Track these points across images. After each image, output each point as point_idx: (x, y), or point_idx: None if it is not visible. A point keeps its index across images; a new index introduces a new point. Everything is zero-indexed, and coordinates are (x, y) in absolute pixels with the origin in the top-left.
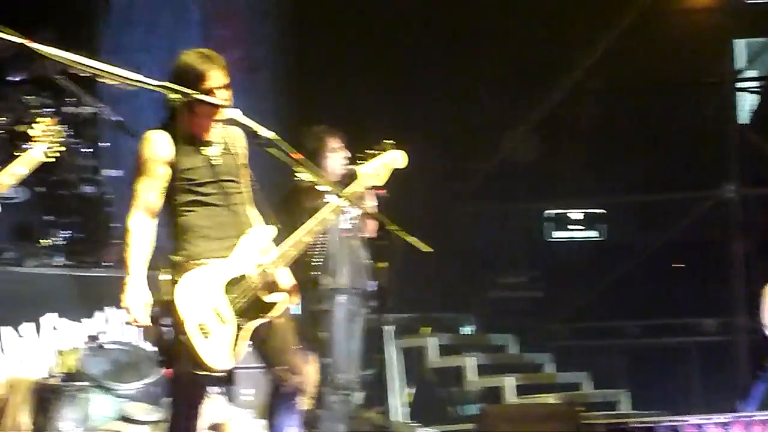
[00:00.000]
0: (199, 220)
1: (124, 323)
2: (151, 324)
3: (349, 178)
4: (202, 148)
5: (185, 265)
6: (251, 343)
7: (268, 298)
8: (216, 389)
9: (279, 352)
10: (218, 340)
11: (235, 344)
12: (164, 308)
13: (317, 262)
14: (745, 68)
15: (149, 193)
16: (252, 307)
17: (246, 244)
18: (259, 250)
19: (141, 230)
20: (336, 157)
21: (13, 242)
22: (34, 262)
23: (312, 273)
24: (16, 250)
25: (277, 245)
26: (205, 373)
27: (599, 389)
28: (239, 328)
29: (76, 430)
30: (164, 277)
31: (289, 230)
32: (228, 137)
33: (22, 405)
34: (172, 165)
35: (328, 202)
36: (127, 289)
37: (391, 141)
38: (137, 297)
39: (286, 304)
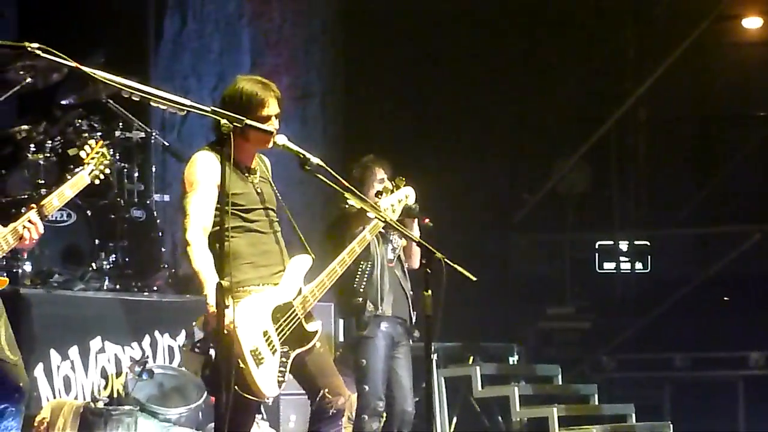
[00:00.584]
0: (246, 247)
1: (189, 344)
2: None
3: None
4: (247, 174)
5: (232, 292)
6: (291, 369)
7: (309, 326)
8: (259, 415)
9: (320, 375)
10: (269, 368)
11: (281, 372)
12: (213, 334)
13: (361, 289)
14: None
15: (202, 211)
16: (295, 335)
17: (291, 273)
18: (301, 278)
19: (202, 243)
20: (379, 188)
21: (62, 265)
22: (82, 285)
23: (356, 300)
24: (65, 274)
25: (316, 272)
26: (256, 399)
27: (645, 421)
28: (285, 356)
29: None
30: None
31: (336, 257)
32: (261, 165)
33: (67, 429)
34: (219, 188)
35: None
36: (209, 294)
37: (403, 178)
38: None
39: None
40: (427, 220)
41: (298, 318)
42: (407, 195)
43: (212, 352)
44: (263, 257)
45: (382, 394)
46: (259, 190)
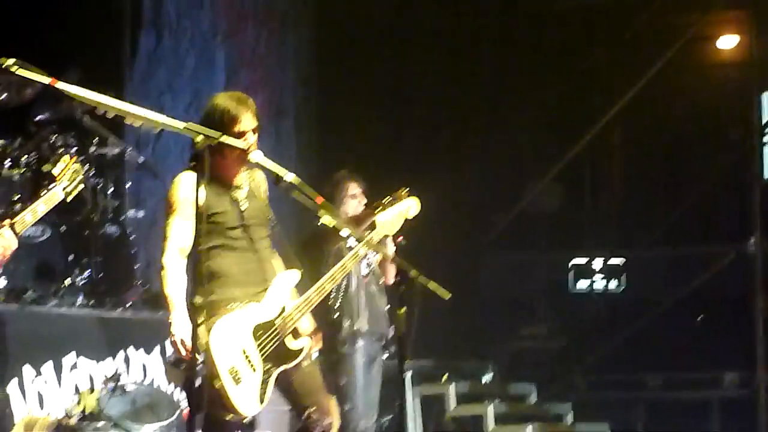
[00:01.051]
0: (227, 266)
1: (171, 359)
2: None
3: (367, 223)
4: (230, 191)
5: (213, 310)
6: (277, 387)
7: (292, 344)
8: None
9: (307, 394)
10: (248, 386)
11: (263, 390)
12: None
13: (337, 306)
14: None
15: (181, 233)
16: (278, 353)
17: (274, 290)
18: (286, 295)
19: (177, 267)
20: (354, 203)
21: (35, 281)
22: (55, 301)
23: (332, 317)
24: (38, 290)
25: (298, 290)
26: (234, 418)
27: None
28: (266, 374)
29: None
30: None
31: (311, 273)
32: (253, 181)
33: None
34: (201, 207)
35: (349, 247)
36: (174, 322)
37: (407, 188)
38: (185, 328)
39: (309, 348)
40: (401, 239)
41: (280, 336)
42: (409, 206)
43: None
44: (244, 275)
45: (363, 413)
46: (242, 207)
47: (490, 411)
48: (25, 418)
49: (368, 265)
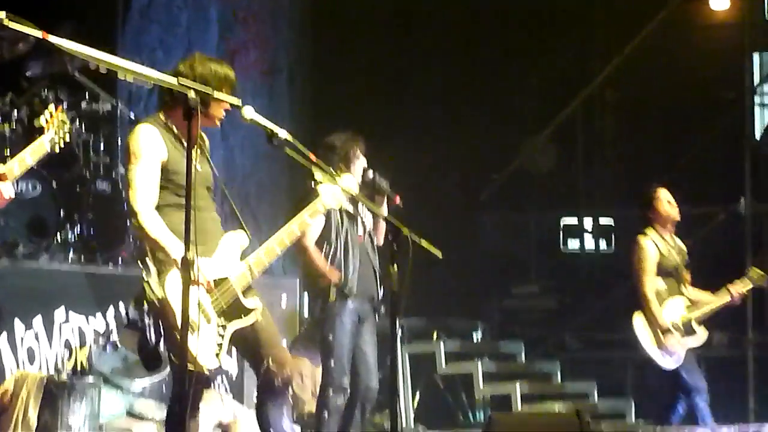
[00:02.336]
0: (179, 223)
1: (129, 321)
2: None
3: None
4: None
5: (166, 265)
6: (234, 344)
7: (246, 302)
8: (223, 389)
9: (262, 347)
10: (205, 336)
11: (219, 346)
12: (150, 308)
13: (328, 267)
14: (759, 83)
15: (147, 185)
16: (232, 310)
17: (226, 248)
18: (236, 255)
19: (152, 211)
20: (359, 163)
21: (27, 237)
22: (46, 257)
23: (323, 277)
24: (29, 245)
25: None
26: (195, 368)
27: (607, 399)
28: (222, 328)
29: (85, 425)
30: (147, 276)
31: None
32: (204, 143)
33: (30, 400)
34: (163, 165)
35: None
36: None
37: (342, 167)
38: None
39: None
40: (397, 200)
41: (234, 293)
42: (350, 185)
43: (148, 330)
44: (200, 235)
45: (347, 370)
46: (199, 168)
47: (479, 369)
48: (16, 374)
49: (363, 225)
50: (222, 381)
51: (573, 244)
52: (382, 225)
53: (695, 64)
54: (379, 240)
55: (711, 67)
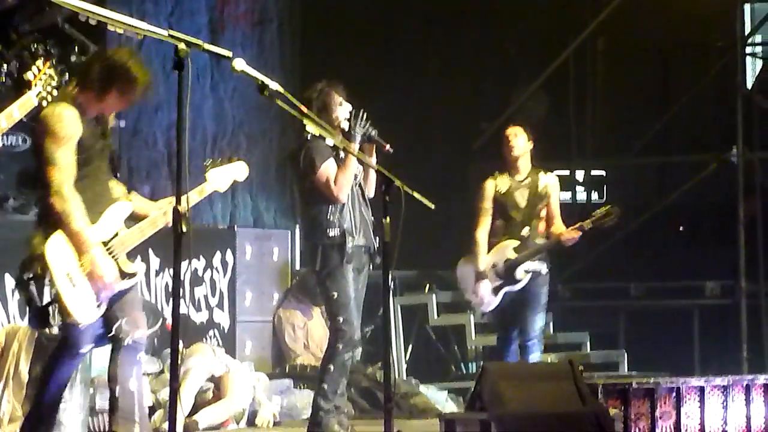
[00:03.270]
0: (84, 194)
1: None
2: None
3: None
4: (100, 125)
5: (53, 227)
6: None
7: (128, 267)
8: (215, 342)
9: (121, 308)
10: (83, 292)
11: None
12: (34, 264)
13: (335, 219)
14: (752, 33)
15: (71, 167)
16: None
17: (109, 215)
18: (119, 222)
19: (78, 198)
20: (342, 110)
21: (17, 190)
22: (37, 210)
23: (332, 231)
24: (20, 198)
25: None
26: (71, 321)
27: (599, 349)
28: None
29: (76, 379)
30: (36, 235)
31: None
32: (107, 118)
33: (22, 353)
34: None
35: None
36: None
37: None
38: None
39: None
40: (387, 147)
41: (115, 256)
42: (239, 170)
43: (33, 290)
44: (97, 203)
45: (356, 324)
46: (104, 139)
47: (471, 320)
48: (7, 327)
49: (355, 177)
50: (214, 334)
51: (564, 195)
52: (373, 176)
53: (687, 13)
54: (370, 191)
55: (703, 16)
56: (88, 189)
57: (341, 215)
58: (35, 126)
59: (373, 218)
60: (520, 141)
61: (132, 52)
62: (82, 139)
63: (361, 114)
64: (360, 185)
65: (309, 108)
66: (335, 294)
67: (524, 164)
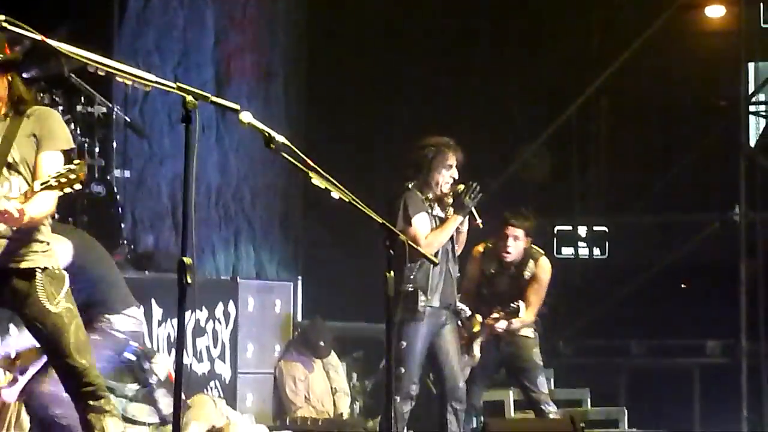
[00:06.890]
0: None
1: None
2: None
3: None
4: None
5: None
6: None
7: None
8: (216, 393)
9: None
10: None
11: None
12: None
13: (412, 276)
14: (755, 92)
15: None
16: None
17: None
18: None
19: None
20: (447, 174)
21: None
22: None
23: (405, 286)
24: None
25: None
26: None
27: (600, 406)
28: None
29: None
30: None
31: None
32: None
33: (22, 410)
34: None
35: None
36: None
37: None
38: None
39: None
40: (479, 221)
41: None
42: None
43: None
44: None
45: (416, 378)
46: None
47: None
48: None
49: (450, 238)
50: (215, 386)
51: (567, 251)
52: (464, 237)
53: (691, 72)
54: (460, 248)
55: (706, 75)
56: None
57: (419, 272)
58: None
59: (459, 274)
60: (518, 246)
61: None
62: None
63: (474, 186)
64: (452, 240)
65: (420, 153)
66: (402, 344)
67: (516, 257)
